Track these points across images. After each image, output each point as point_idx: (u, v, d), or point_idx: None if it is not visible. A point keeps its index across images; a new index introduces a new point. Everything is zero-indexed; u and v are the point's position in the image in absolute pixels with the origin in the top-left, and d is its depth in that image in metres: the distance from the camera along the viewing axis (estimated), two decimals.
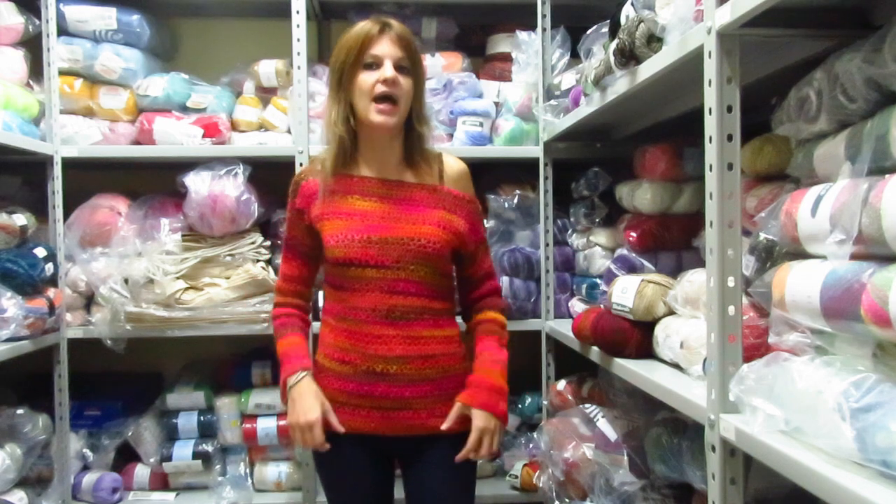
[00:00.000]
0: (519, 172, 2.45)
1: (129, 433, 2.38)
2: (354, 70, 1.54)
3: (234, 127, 2.41)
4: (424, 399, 1.58)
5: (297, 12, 2.26)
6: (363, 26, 1.55)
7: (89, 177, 2.49)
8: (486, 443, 1.56)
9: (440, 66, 2.44)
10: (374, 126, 1.56)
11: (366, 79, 1.53)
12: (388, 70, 1.52)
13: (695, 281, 1.44)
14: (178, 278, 2.24)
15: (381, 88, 1.52)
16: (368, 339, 1.56)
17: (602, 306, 1.78)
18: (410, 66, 1.57)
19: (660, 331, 1.54)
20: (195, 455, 2.36)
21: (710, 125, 1.10)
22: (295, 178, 1.70)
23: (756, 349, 1.16)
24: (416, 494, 1.66)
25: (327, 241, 1.58)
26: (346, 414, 1.59)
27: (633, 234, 1.85)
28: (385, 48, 1.54)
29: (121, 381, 2.59)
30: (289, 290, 1.69)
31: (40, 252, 2.10)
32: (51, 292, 2.15)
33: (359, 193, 1.60)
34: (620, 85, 1.53)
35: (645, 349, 1.59)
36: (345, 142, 1.58)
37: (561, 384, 2.19)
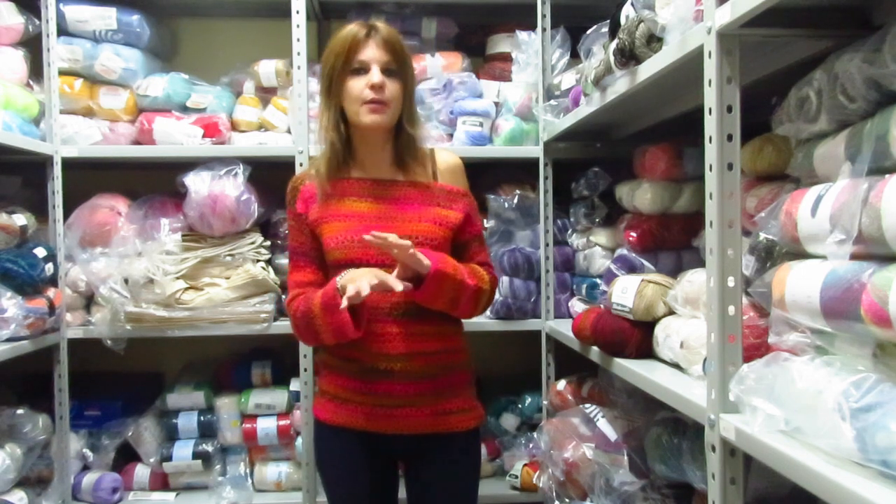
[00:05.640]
0: (519, 172, 2.45)
1: (129, 433, 2.38)
2: (343, 76, 1.56)
3: (234, 127, 2.41)
4: (427, 396, 1.58)
5: (297, 12, 2.26)
6: (349, 30, 1.56)
7: (89, 177, 2.49)
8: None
9: (440, 66, 2.44)
10: (365, 127, 1.57)
11: (354, 84, 1.55)
12: (375, 76, 1.53)
13: (695, 281, 1.44)
14: (178, 278, 2.24)
15: (368, 94, 1.53)
16: (371, 337, 1.56)
17: (602, 306, 1.78)
18: (398, 69, 1.57)
19: (660, 331, 1.54)
20: (195, 455, 2.36)
21: (710, 125, 1.10)
22: (291, 183, 1.69)
23: (756, 349, 1.16)
24: (418, 494, 1.66)
25: (327, 244, 1.59)
26: (348, 411, 1.59)
27: (633, 234, 1.85)
28: (371, 52, 1.55)
29: (121, 381, 2.59)
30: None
31: (40, 252, 2.10)
32: (51, 292, 2.15)
33: (354, 195, 1.61)
34: (620, 85, 1.53)
35: (645, 349, 1.59)
36: (336, 147, 1.60)
37: (561, 384, 2.19)
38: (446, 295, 1.54)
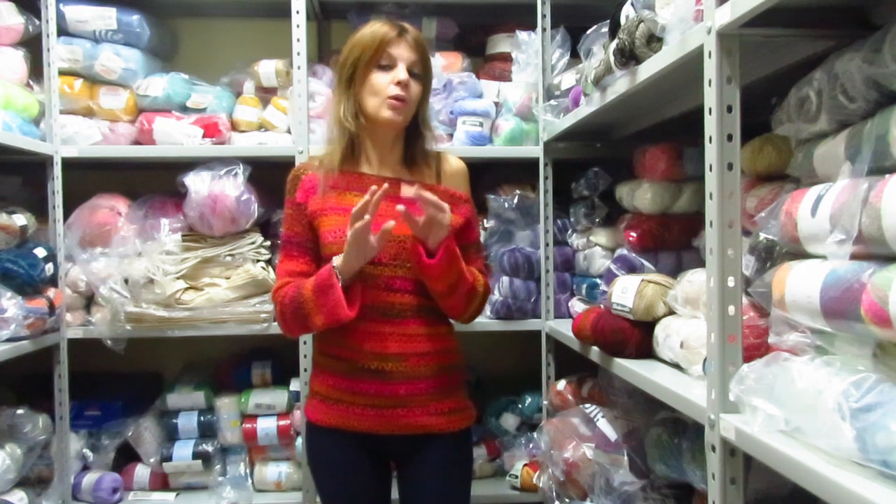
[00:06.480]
0: (519, 172, 2.45)
1: (129, 433, 2.38)
2: (368, 69, 1.56)
3: (234, 127, 2.41)
4: (419, 397, 1.58)
5: (297, 12, 2.26)
6: (381, 27, 1.57)
7: (89, 177, 2.50)
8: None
9: (440, 66, 2.44)
10: (382, 122, 1.58)
11: (379, 79, 1.56)
12: (401, 73, 1.55)
13: (695, 281, 1.44)
14: (178, 278, 2.24)
15: (393, 90, 1.54)
16: (364, 336, 1.56)
17: (602, 306, 1.78)
18: (422, 73, 1.60)
19: (660, 331, 1.54)
20: (195, 455, 2.36)
21: (710, 125, 1.10)
22: (293, 172, 1.69)
23: (756, 349, 1.16)
24: (411, 494, 1.66)
25: (324, 238, 1.59)
26: (339, 411, 1.59)
27: (633, 234, 1.85)
28: (401, 51, 1.57)
29: (121, 381, 2.59)
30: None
31: (40, 252, 2.10)
32: (51, 292, 2.15)
33: (357, 190, 1.60)
34: (620, 85, 1.53)
35: (645, 349, 1.59)
36: (354, 136, 1.60)
37: (561, 384, 2.18)
38: (452, 275, 1.54)
